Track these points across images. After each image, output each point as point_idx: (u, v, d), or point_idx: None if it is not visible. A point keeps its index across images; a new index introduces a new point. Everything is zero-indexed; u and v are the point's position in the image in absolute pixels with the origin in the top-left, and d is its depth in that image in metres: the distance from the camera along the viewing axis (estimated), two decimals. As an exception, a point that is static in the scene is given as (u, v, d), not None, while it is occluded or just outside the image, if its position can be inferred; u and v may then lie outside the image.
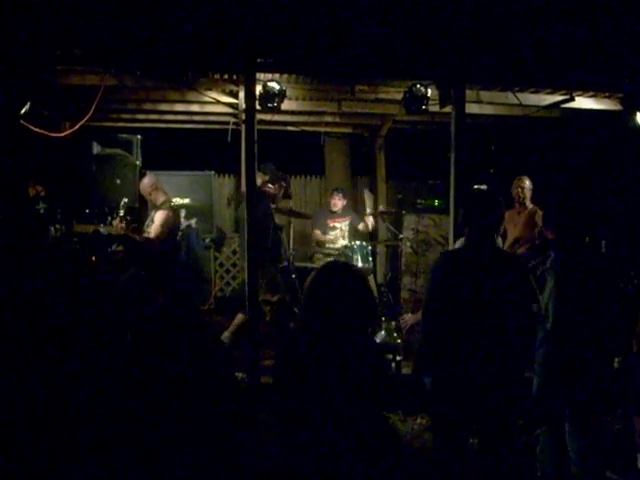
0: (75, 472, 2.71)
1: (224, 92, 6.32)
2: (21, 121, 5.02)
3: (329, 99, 6.75)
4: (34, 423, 3.07)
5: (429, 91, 5.57)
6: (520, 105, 6.07)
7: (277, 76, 5.52)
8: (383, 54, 5.22)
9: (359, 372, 2.19)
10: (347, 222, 7.30)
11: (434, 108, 5.85)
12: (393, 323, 5.57)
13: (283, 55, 5.20)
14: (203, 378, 2.50)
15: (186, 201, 7.35)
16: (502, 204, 3.10)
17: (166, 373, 2.42)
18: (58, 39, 4.85)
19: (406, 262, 7.53)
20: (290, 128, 7.57)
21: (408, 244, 7.37)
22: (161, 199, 5.67)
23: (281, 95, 5.43)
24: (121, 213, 5.39)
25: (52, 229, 5.50)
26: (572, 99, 5.99)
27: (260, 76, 5.36)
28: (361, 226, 7.26)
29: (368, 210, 7.28)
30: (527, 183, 6.31)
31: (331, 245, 7.15)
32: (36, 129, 5.20)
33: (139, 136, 6.91)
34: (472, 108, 6.04)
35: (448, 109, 5.65)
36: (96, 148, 6.56)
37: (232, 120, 7.17)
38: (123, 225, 5.32)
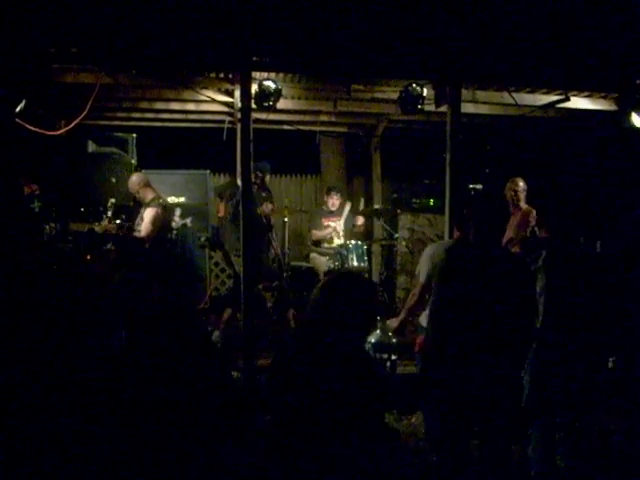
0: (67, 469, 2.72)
1: (220, 91, 6.31)
2: (16, 119, 5.01)
3: (325, 98, 6.74)
4: (31, 420, 3.07)
5: (425, 91, 5.59)
6: (516, 105, 6.09)
7: (273, 75, 5.53)
8: (379, 53, 5.23)
9: (353, 380, 2.19)
10: (341, 221, 7.30)
11: (430, 108, 5.87)
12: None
13: (279, 54, 5.21)
14: (198, 377, 2.50)
15: (181, 200, 7.33)
16: (505, 205, 3.14)
17: (160, 371, 2.42)
18: (54, 37, 4.84)
19: (401, 261, 7.56)
20: (286, 127, 7.57)
21: (403, 243, 7.38)
22: (150, 196, 5.64)
23: (277, 94, 5.44)
24: (109, 214, 5.38)
25: (47, 227, 5.47)
26: (567, 99, 6.01)
27: (256, 75, 5.37)
28: (360, 221, 7.24)
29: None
30: (521, 185, 6.27)
31: (326, 244, 7.15)
32: (31, 127, 5.19)
33: (134, 135, 6.90)
34: (468, 108, 6.05)
35: (444, 109, 5.66)
36: (91, 146, 6.55)
37: (228, 119, 7.14)
38: (113, 226, 5.31)
